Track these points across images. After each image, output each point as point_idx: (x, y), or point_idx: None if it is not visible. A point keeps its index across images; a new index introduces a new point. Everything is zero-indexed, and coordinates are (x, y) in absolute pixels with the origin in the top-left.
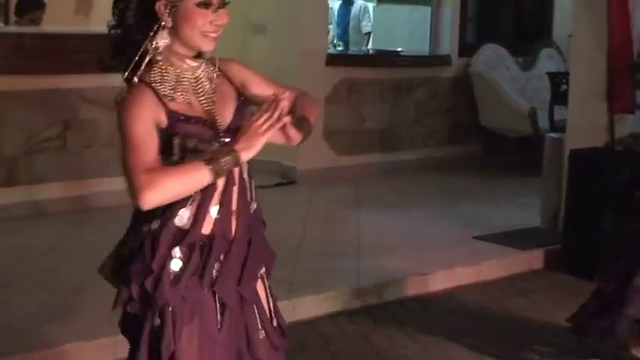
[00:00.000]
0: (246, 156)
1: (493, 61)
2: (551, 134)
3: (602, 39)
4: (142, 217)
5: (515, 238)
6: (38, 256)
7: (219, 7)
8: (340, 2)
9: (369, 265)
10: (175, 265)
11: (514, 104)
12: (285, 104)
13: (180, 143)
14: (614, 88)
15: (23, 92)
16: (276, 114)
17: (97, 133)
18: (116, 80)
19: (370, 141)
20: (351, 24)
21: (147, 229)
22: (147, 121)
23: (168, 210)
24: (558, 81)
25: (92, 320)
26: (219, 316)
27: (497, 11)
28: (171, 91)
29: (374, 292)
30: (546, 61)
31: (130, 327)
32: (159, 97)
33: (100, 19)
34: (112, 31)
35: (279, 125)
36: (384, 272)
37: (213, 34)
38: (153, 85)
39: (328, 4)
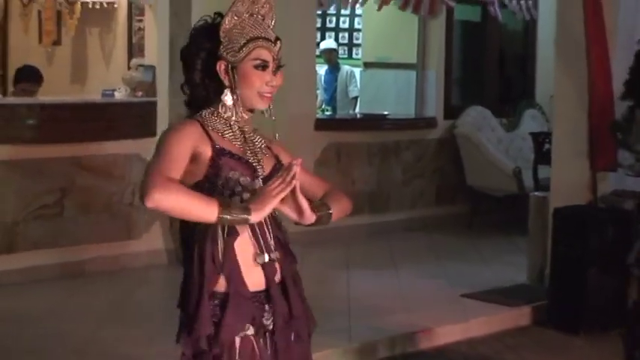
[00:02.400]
0: (256, 217)
1: (478, 122)
2: (536, 193)
3: (584, 99)
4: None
5: (503, 295)
6: (36, 321)
7: (275, 70)
8: (327, 68)
9: (360, 325)
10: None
11: (499, 164)
12: (297, 170)
13: (224, 175)
14: (596, 147)
15: (21, 161)
16: (288, 178)
17: (93, 200)
18: (111, 148)
19: (359, 203)
20: (338, 89)
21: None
22: (186, 146)
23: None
24: (541, 141)
25: None
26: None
27: (481, 74)
28: (220, 132)
29: (365, 351)
30: (530, 122)
31: None
32: (207, 132)
33: (95, 89)
34: (183, 88)
35: (289, 188)
36: (375, 331)
37: (268, 95)
38: (204, 124)
39: (316, 71)
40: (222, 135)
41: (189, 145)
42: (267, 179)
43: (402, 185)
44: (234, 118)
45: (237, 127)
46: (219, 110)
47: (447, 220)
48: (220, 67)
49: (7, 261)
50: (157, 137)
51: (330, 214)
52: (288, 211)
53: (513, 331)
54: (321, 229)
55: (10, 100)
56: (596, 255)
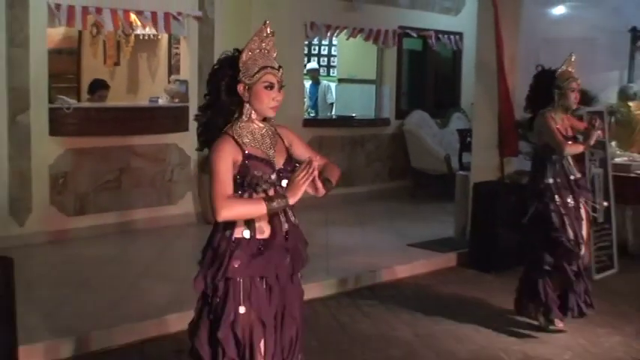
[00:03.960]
0: (292, 200)
1: (419, 122)
2: (461, 172)
3: (494, 106)
4: (218, 230)
5: (437, 245)
6: (102, 264)
7: (279, 89)
8: (311, 83)
9: (335, 265)
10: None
11: (434, 152)
12: (316, 165)
13: (251, 172)
14: (503, 140)
15: (91, 149)
16: (310, 171)
17: (143, 177)
18: (155, 139)
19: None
20: (319, 97)
21: (223, 240)
22: (227, 161)
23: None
24: (465, 135)
25: (146, 304)
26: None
27: (422, 87)
28: (247, 141)
29: (338, 284)
30: (456, 122)
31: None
32: (238, 144)
33: (144, 97)
34: (206, 98)
35: (311, 178)
36: (346, 270)
37: (275, 107)
38: (235, 137)
39: (303, 84)
40: (247, 142)
41: (230, 159)
42: (281, 170)
43: (365, 167)
44: (252, 125)
45: (257, 133)
46: (242, 121)
47: (397, 192)
48: (240, 88)
49: (80, 221)
50: (189, 132)
51: (332, 185)
52: (309, 190)
53: (444, 270)
54: (306, 198)
55: (85, 104)
56: (503, 216)
